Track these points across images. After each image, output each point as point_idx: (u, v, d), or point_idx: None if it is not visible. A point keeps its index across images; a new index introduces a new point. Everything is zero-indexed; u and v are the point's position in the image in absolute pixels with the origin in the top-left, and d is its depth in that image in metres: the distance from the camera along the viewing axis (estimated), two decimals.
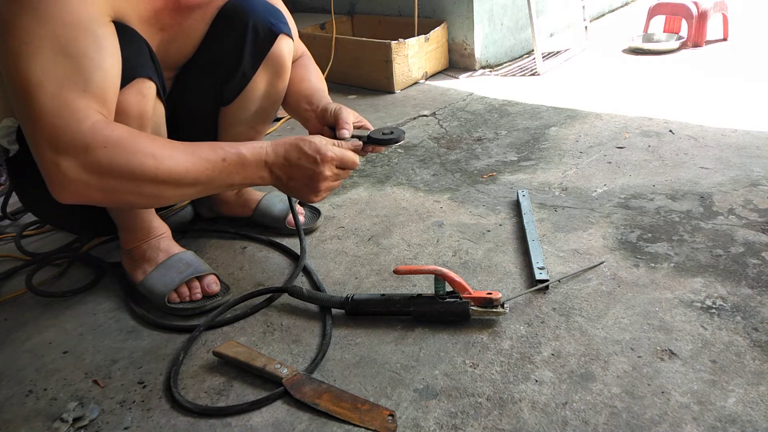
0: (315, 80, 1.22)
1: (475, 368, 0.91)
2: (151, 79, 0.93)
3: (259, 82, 1.14)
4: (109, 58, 0.84)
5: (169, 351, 1.00)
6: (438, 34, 2.49)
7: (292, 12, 1.22)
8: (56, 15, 0.79)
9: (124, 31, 0.89)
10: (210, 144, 0.90)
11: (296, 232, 1.32)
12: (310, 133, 1.05)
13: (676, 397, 0.82)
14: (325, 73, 2.40)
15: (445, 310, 0.99)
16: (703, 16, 2.59)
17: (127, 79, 0.89)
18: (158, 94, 0.97)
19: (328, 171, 0.95)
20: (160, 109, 1.00)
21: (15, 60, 0.78)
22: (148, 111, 0.94)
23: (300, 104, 1.16)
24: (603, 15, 3.52)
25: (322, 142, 0.94)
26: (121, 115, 0.88)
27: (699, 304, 1.00)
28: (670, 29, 2.78)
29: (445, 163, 1.67)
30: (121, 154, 0.80)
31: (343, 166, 0.97)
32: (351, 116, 1.05)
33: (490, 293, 0.99)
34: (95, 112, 0.80)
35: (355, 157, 0.98)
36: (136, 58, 0.91)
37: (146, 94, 0.93)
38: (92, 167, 0.79)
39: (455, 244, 1.25)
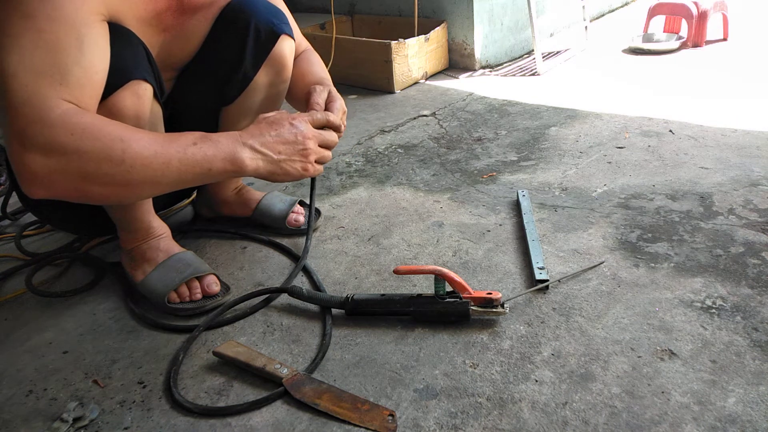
0: (318, 70, 1.22)
1: (475, 368, 0.91)
2: (146, 80, 0.92)
3: (261, 82, 1.14)
4: (93, 58, 0.83)
5: (169, 351, 1.00)
6: (438, 34, 2.49)
7: (292, 12, 1.22)
8: (41, 11, 0.78)
9: (119, 32, 0.89)
10: (184, 133, 0.88)
11: (296, 232, 1.32)
12: None
13: (676, 397, 0.82)
14: None
15: (445, 310, 0.99)
16: (703, 16, 2.59)
17: (122, 80, 0.88)
18: (155, 95, 0.96)
19: (304, 127, 0.97)
20: (158, 111, 0.99)
21: None
22: (144, 113, 0.93)
23: (304, 96, 1.17)
24: (603, 15, 3.52)
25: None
26: (116, 117, 0.87)
27: (699, 304, 1.00)
28: (670, 29, 2.78)
29: (445, 163, 1.66)
30: (88, 139, 0.78)
31: (317, 124, 1.00)
32: (322, 96, 1.07)
33: (490, 293, 0.99)
34: (66, 102, 0.79)
35: (326, 114, 1.02)
36: (132, 59, 0.91)
37: (142, 95, 0.92)
38: (60, 155, 0.77)
39: (455, 244, 1.25)
